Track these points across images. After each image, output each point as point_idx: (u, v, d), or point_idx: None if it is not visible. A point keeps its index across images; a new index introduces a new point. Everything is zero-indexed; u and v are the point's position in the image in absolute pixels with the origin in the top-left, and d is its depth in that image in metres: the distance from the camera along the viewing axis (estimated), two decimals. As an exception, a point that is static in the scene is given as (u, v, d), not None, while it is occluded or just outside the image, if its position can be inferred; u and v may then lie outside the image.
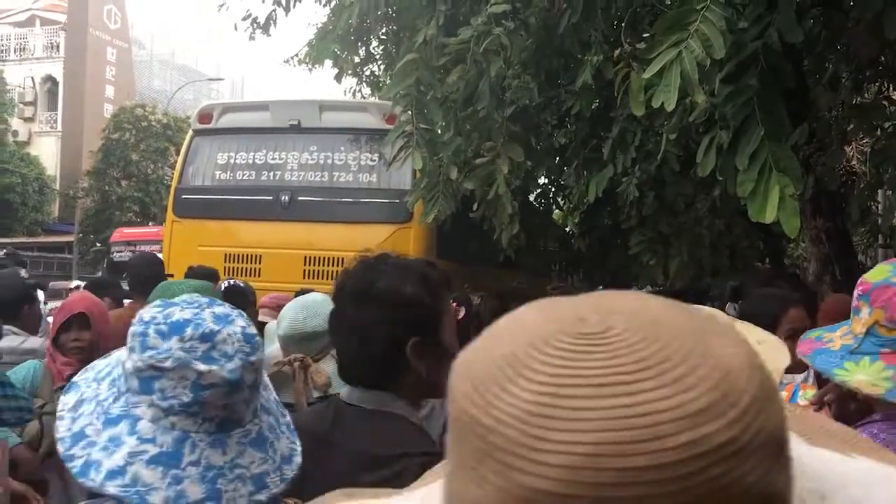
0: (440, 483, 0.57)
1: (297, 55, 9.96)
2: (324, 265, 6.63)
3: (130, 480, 1.09)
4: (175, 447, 1.12)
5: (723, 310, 3.64)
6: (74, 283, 17.55)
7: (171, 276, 4.74)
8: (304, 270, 6.61)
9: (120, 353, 1.23)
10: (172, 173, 9.87)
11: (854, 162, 12.00)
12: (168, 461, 1.11)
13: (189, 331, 1.16)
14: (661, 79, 2.95)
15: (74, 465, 1.11)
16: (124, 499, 1.08)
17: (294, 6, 7.29)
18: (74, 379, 1.23)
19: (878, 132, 4.75)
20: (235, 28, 8.16)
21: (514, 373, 0.45)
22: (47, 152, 31.40)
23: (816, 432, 0.60)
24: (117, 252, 19.56)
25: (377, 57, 10.34)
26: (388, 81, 8.25)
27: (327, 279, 6.44)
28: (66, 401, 1.19)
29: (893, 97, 5.21)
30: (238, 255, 6.80)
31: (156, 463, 1.11)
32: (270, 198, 6.82)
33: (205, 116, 7.27)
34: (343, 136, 6.88)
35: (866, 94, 5.36)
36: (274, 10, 7.43)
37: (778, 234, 8.36)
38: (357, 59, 9.93)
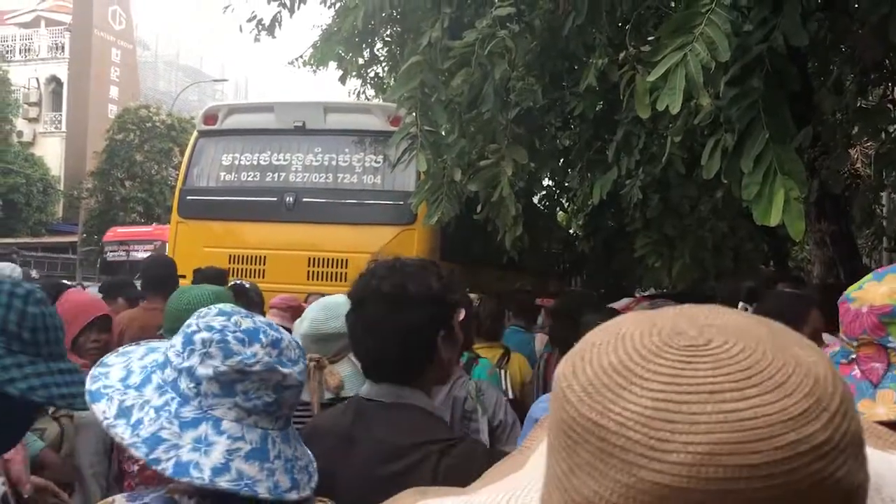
0: (522, 479, 0.67)
1: (301, 57, 9.98)
2: (328, 266, 6.65)
3: (237, 475, 1.19)
4: (261, 444, 1.24)
5: None
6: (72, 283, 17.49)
7: (183, 276, 4.75)
8: (309, 272, 6.63)
9: (153, 358, 1.31)
10: (176, 174, 9.89)
11: (858, 165, 11.99)
12: (260, 456, 1.23)
13: (263, 338, 1.27)
14: (666, 81, 2.95)
15: (165, 467, 1.18)
16: (238, 492, 1.18)
17: (298, 8, 7.30)
18: (92, 387, 1.27)
19: (883, 136, 4.75)
20: (241, 30, 8.18)
21: (626, 381, 0.51)
22: (52, 153, 31.47)
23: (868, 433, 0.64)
24: (111, 252, 19.39)
25: (381, 59, 10.36)
26: (392, 83, 8.26)
27: (332, 280, 6.46)
28: (103, 409, 1.23)
29: (898, 101, 5.21)
30: (242, 257, 6.81)
31: (251, 458, 1.22)
32: (275, 199, 6.84)
33: (210, 117, 7.29)
34: (347, 137, 6.90)
35: (871, 98, 5.36)
36: (279, 12, 7.45)
37: (782, 236, 8.37)
38: (361, 61, 9.96)
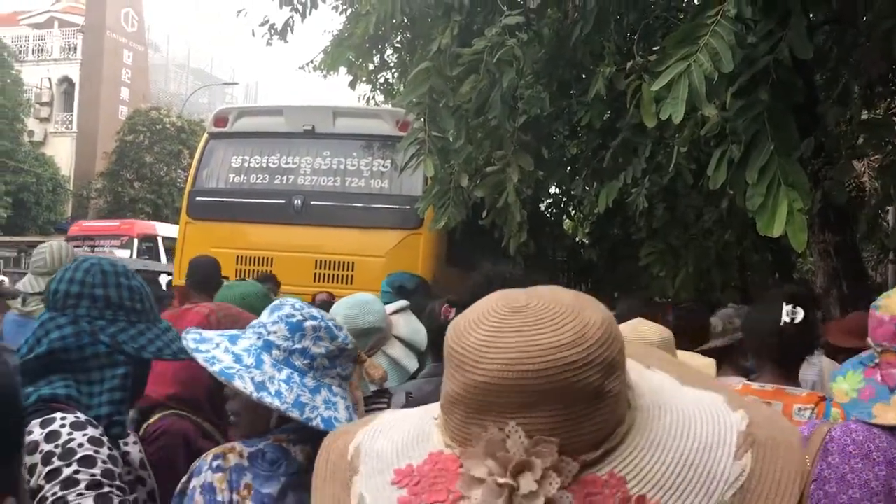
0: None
1: (312, 62, 10.05)
2: (334, 269, 6.69)
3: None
4: (351, 402, 1.69)
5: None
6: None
7: (227, 278, 4.91)
8: (315, 274, 6.66)
9: (248, 343, 1.66)
10: (185, 176, 9.95)
11: (865, 178, 11.97)
12: (352, 409, 1.68)
13: (343, 325, 1.72)
14: (670, 91, 2.99)
15: (317, 423, 1.58)
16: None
17: (310, 13, 7.37)
18: (215, 368, 1.59)
19: (888, 148, 4.77)
20: (253, 34, 8.25)
21: (474, 326, 0.84)
22: (62, 153, 31.61)
23: (658, 363, 1.02)
24: (75, 247, 19.03)
25: (391, 65, 10.42)
26: (401, 89, 8.33)
27: (338, 283, 6.50)
28: (243, 385, 1.57)
29: (903, 114, 5.23)
30: (250, 258, 6.86)
31: (353, 412, 1.67)
32: (283, 201, 6.88)
33: (220, 120, 7.34)
34: (356, 141, 6.94)
35: (877, 111, 5.38)
36: (291, 17, 7.52)
37: (787, 247, 8.37)
38: (371, 67, 10.02)
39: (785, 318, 2.33)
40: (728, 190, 3.32)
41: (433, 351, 2.86)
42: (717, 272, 6.50)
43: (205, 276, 4.61)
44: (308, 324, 1.65)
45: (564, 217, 11.17)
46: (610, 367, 0.81)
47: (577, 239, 12.99)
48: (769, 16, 3.31)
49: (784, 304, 2.34)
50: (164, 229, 17.39)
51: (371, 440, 0.94)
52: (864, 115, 5.04)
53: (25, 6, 36.41)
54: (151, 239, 16.54)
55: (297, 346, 1.64)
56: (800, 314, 2.33)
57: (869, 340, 1.71)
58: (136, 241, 16.30)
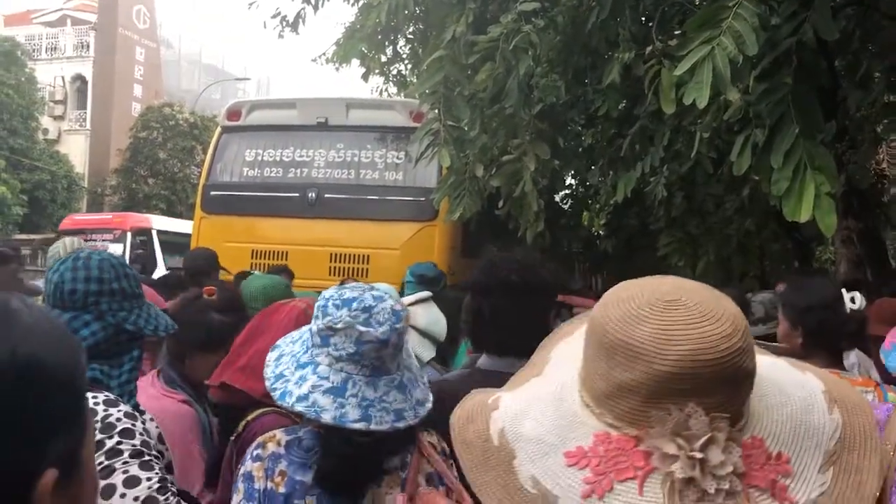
0: (551, 380, 1.07)
1: (324, 54, 10.01)
2: (350, 262, 6.65)
3: (311, 403, 1.60)
4: (341, 384, 1.63)
5: None
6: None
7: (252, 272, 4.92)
8: (331, 267, 6.63)
9: (307, 327, 1.77)
10: (199, 172, 9.92)
11: (885, 165, 11.81)
12: (337, 392, 1.62)
13: (355, 304, 1.67)
14: (693, 76, 2.92)
15: (275, 394, 1.63)
16: (306, 415, 1.60)
17: (322, 5, 7.33)
18: (278, 342, 1.81)
19: (912, 132, 4.68)
20: (265, 26, 8.21)
21: (640, 319, 0.92)
22: (76, 150, 31.78)
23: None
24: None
25: (404, 56, 10.36)
26: (414, 81, 8.27)
27: (354, 276, 6.46)
28: (270, 356, 1.76)
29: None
30: (265, 252, 6.83)
31: (328, 393, 1.62)
32: (297, 195, 6.85)
33: (234, 113, 7.31)
34: (370, 133, 6.89)
35: (900, 94, 5.28)
36: (303, 9, 7.48)
37: (807, 236, 8.27)
38: (384, 59, 9.97)
39: (850, 305, 2.36)
40: (752, 175, 3.25)
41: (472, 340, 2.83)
42: (737, 261, 6.42)
43: (200, 269, 4.63)
44: (318, 303, 1.73)
45: (581, 208, 11.08)
46: (753, 351, 0.95)
47: (593, 230, 12.91)
48: (793, -4, 3.23)
49: (844, 290, 2.38)
50: (160, 222, 17.05)
51: (515, 424, 1.01)
52: (886, 99, 4.94)
53: (38, 5, 36.59)
54: (145, 233, 16.15)
55: (312, 325, 1.74)
56: (859, 300, 2.34)
57: None
58: (129, 235, 16.02)
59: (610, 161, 6.40)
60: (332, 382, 1.64)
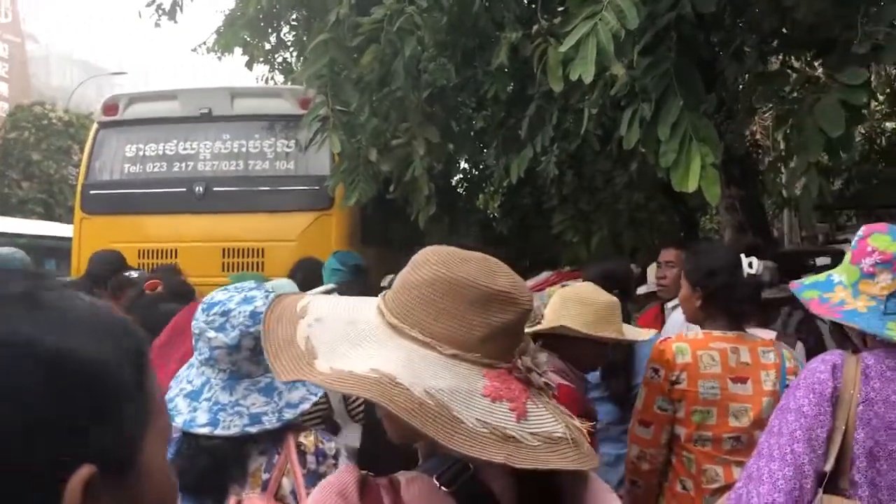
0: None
1: (205, 43, 9.65)
2: (243, 257, 6.45)
3: (173, 406, 1.65)
4: (199, 387, 1.68)
5: None
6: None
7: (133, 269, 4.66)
8: (223, 263, 6.41)
9: None
10: (77, 172, 9.39)
11: (759, 136, 12.39)
12: (194, 396, 1.67)
13: (217, 308, 1.70)
14: (578, 52, 2.94)
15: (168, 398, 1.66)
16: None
17: (200, -9, 7.05)
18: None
19: (782, 99, 4.90)
20: (140, 15, 7.85)
21: (496, 273, 1.10)
22: (-62, 155, 29.66)
23: None
24: None
25: (288, 43, 10.11)
26: (299, 68, 8.07)
27: (248, 271, 6.26)
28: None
29: (795, 66, 5.38)
30: (152, 251, 6.54)
31: (187, 396, 1.68)
32: (184, 189, 6.57)
33: (110, 108, 6.94)
34: (257, 123, 6.68)
35: (771, 64, 5.52)
36: (179, -5, 7.18)
37: (692, 207, 8.59)
38: (268, 47, 9.71)
39: (747, 270, 2.43)
40: (640, 148, 3.31)
41: None
42: (628, 235, 6.59)
43: (102, 270, 4.40)
44: None
45: (476, 191, 11.16)
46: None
47: (488, 212, 13.04)
48: (670, -29, 3.30)
49: (743, 256, 2.45)
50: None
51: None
52: (761, 69, 5.15)
53: None
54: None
55: None
56: (756, 265, 2.42)
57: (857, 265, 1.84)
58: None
59: (503, 142, 6.44)
60: (193, 386, 1.70)
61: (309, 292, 2.99)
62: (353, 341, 1.07)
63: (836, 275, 1.91)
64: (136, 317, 2.23)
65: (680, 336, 2.59)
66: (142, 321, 2.20)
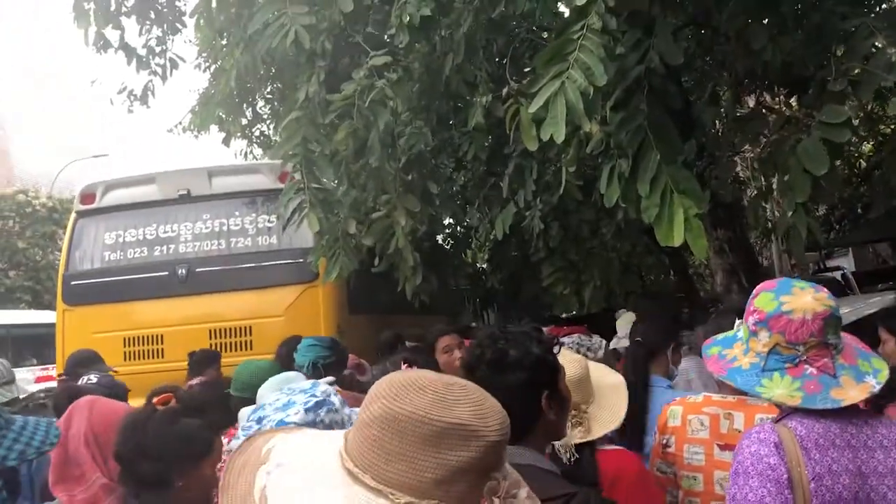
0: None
1: (180, 123, 9.68)
2: (232, 336, 6.33)
3: None
4: None
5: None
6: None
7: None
8: (211, 344, 6.27)
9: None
10: (61, 258, 9.28)
11: (739, 170, 12.46)
12: None
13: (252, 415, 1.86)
14: (548, 112, 2.90)
15: None
16: None
17: (171, 74, 7.06)
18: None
19: (763, 140, 4.89)
20: (112, 102, 7.86)
21: (454, 403, 0.98)
22: (-77, 250, 29.47)
23: None
24: None
25: (265, 117, 10.16)
26: (278, 139, 8.07)
27: (237, 350, 6.15)
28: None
29: (772, 107, 5.38)
30: (138, 338, 6.42)
31: None
32: (166, 273, 6.49)
33: (88, 196, 6.89)
34: (237, 200, 6.63)
35: (747, 106, 5.53)
36: (150, 80, 7.18)
37: (680, 247, 8.54)
38: (245, 121, 9.74)
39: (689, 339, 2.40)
40: (622, 204, 3.26)
41: None
42: (620, 282, 6.52)
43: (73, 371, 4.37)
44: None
45: (463, 247, 11.11)
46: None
47: (478, 265, 12.98)
48: (634, 25, 3.29)
49: (736, 318, 2.39)
50: None
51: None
52: (738, 112, 5.16)
53: None
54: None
55: None
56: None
57: (783, 344, 1.81)
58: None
59: (485, 200, 6.41)
60: None
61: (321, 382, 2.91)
62: (308, 488, 0.98)
63: (740, 331, 1.93)
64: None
65: (682, 399, 2.53)
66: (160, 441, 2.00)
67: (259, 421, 1.70)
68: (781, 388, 1.78)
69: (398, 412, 0.95)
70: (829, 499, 1.67)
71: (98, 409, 2.41)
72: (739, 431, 2.35)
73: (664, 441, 2.44)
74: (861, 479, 1.69)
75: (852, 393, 1.73)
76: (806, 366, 1.79)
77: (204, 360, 5.19)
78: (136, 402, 2.47)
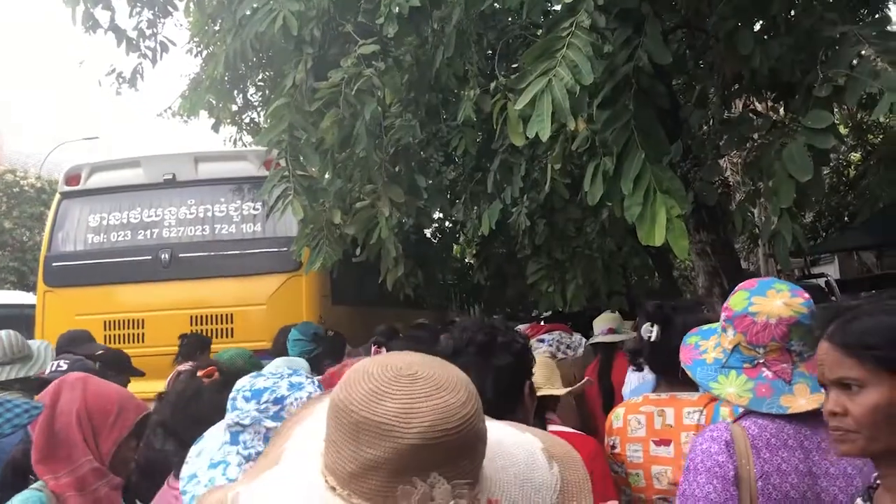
0: (289, 466, 1.06)
1: (170, 107, 9.61)
2: (213, 323, 6.30)
3: None
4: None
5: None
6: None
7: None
8: (192, 331, 6.25)
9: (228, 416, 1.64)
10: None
11: (728, 174, 12.49)
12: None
13: (266, 395, 1.59)
14: (534, 108, 2.89)
15: (185, 498, 1.53)
16: None
17: (161, 57, 7.00)
18: (204, 434, 1.69)
19: (749, 144, 4.89)
20: (100, 84, 7.79)
21: (382, 396, 0.93)
22: None
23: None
24: None
25: (255, 104, 10.11)
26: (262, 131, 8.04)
27: (218, 337, 6.12)
28: (193, 449, 1.66)
29: (759, 110, 5.39)
30: (119, 321, 6.38)
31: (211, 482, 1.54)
32: (149, 257, 6.45)
33: (72, 178, 6.83)
34: (222, 186, 6.59)
35: (734, 109, 5.53)
36: (140, 63, 7.12)
37: (665, 249, 8.56)
38: (235, 108, 9.68)
39: (645, 335, 2.46)
40: (606, 202, 3.25)
41: None
42: (603, 281, 6.52)
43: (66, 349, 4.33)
44: (231, 394, 1.69)
45: (451, 241, 11.09)
46: (482, 413, 0.99)
47: (466, 261, 12.96)
48: (624, 24, 3.29)
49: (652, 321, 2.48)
50: None
51: None
52: (725, 115, 5.16)
53: None
54: None
55: None
56: (655, 331, 2.43)
57: (745, 345, 1.86)
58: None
59: (472, 195, 6.39)
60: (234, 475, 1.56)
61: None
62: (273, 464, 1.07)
63: (718, 325, 1.98)
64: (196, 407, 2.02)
65: (626, 401, 2.61)
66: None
67: (278, 402, 1.61)
68: (733, 387, 1.83)
69: (335, 399, 0.97)
70: (776, 497, 1.70)
71: (92, 388, 2.29)
72: (671, 426, 2.40)
73: (611, 442, 2.50)
74: (811, 479, 1.72)
75: (801, 402, 1.76)
76: (763, 368, 1.82)
77: (196, 345, 5.16)
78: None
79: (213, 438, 1.66)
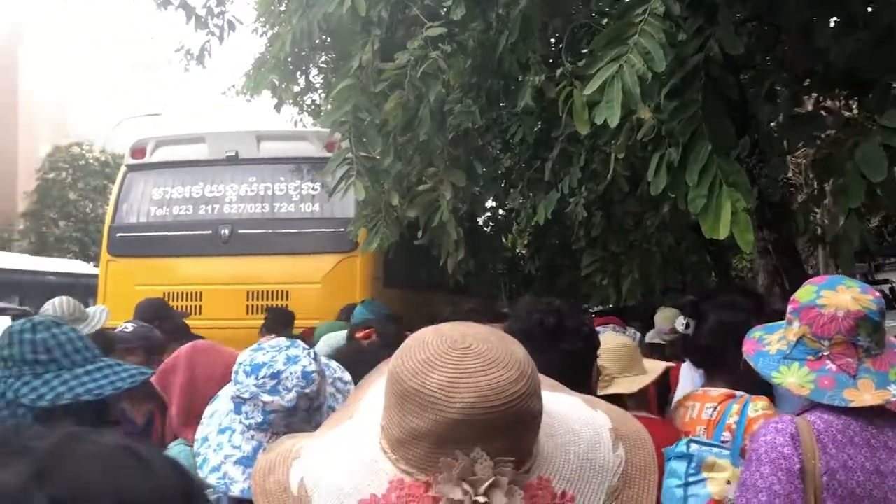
0: (358, 424, 1.07)
1: (234, 86, 9.78)
2: (268, 299, 6.41)
3: (223, 475, 1.62)
4: (252, 453, 1.62)
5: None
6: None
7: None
8: (248, 306, 6.37)
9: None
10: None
11: (791, 174, 12.20)
12: (247, 462, 1.61)
13: (264, 370, 1.64)
14: (603, 95, 2.86)
15: (198, 461, 1.65)
16: (218, 488, 1.62)
17: (228, 35, 7.12)
18: (219, 392, 1.82)
19: (818, 142, 4.76)
20: (169, 62, 7.96)
21: (431, 368, 0.93)
22: (-21, 195, 30.34)
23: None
24: None
25: (317, 86, 10.20)
26: (325, 112, 8.11)
27: (273, 314, 6.21)
28: (207, 409, 1.78)
29: (831, 107, 5.24)
30: (177, 293, 6.52)
31: (239, 463, 1.62)
32: (209, 232, 6.58)
33: (138, 151, 7.00)
34: (283, 165, 6.68)
35: (805, 105, 5.40)
36: (208, 41, 7.25)
37: (724, 247, 8.42)
38: (297, 89, 9.79)
39: (679, 328, 2.50)
40: (669, 194, 3.21)
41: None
42: (660, 277, 6.45)
43: (150, 317, 4.44)
44: (234, 367, 1.74)
45: (503, 230, 11.07)
46: (539, 393, 0.97)
47: (517, 251, 12.93)
48: (697, 12, 3.22)
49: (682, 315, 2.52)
50: None
51: (315, 473, 1.00)
52: (794, 111, 5.03)
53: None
54: None
55: None
56: (688, 325, 2.46)
57: (809, 336, 1.83)
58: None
59: (529, 184, 6.36)
60: (244, 452, 1.64)
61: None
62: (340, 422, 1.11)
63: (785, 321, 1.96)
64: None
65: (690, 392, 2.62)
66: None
67: (275, 377, 1.65)
68: (794, 378, 1.80)
69: (391, 365, 0.98)
70: (842, 494, 1.67)
71: (227, 358, 2.41)
72: (693, 420, 2.41)
73: None
74: (879, 477, 1.69)
75: (866, 397, 1.72)
76: (827, 361, 1.79)
77: (280, 320, 5.34)
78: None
79: (226, 399, 1.74)
